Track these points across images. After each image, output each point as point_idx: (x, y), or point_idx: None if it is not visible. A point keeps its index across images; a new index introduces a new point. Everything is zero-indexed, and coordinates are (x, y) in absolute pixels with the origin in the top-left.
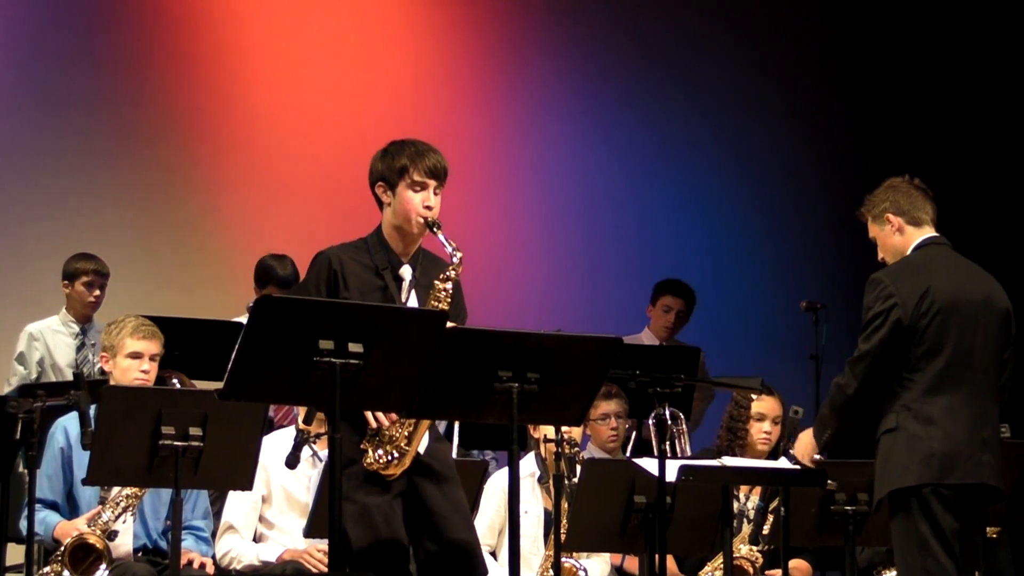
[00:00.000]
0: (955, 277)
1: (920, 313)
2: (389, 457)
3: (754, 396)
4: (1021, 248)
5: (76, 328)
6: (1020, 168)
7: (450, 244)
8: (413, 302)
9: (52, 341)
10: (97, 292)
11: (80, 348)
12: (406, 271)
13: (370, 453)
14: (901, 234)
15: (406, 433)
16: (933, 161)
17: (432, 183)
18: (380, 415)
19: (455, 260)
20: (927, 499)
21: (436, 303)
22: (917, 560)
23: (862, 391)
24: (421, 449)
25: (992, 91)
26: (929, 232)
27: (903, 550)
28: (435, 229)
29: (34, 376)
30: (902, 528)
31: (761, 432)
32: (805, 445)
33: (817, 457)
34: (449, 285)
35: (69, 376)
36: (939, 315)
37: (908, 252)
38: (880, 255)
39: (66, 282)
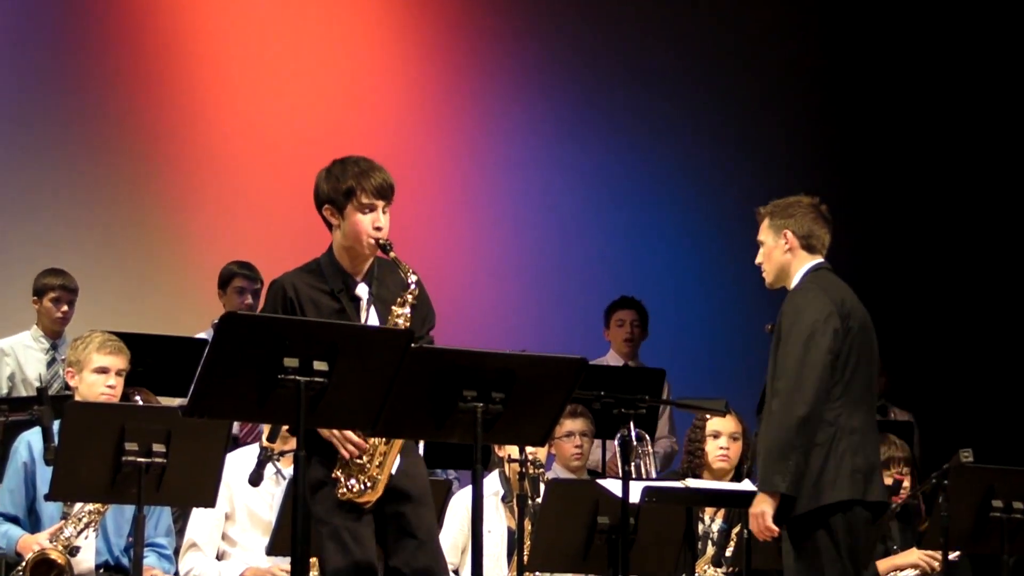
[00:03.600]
0: (853, 299)
1: (847, 328)
2: (362, 486)
3: (709, 416)
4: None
5: (47, 344)
6: (976, 195)
7: (403, 267)
8: (373, 318)
9: (23, 357)
10: (65, 308)
11: (51, 364)
12: (362, 290)
13: (343, 483)
14: (791, 254)
15: (377, 463)
16: (888, 190)
17: (380, 203)
18: (351, 447)
19: (411, 284)
20: (848, 516)
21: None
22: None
23: (815, 408)
24: (393, 470)
25: (957, 129)
26: (820, 259)
27: (806, 564)
28: (387, 251)
29: (5, 392)
30: (814, 542)
31: (717, 449)
32: (756, 520)
33: (774, 530)
34: (407, 310)
35: None
36: (857, 332)
37: (796, 274)
38: (759, 259)
39: (35, 298)
